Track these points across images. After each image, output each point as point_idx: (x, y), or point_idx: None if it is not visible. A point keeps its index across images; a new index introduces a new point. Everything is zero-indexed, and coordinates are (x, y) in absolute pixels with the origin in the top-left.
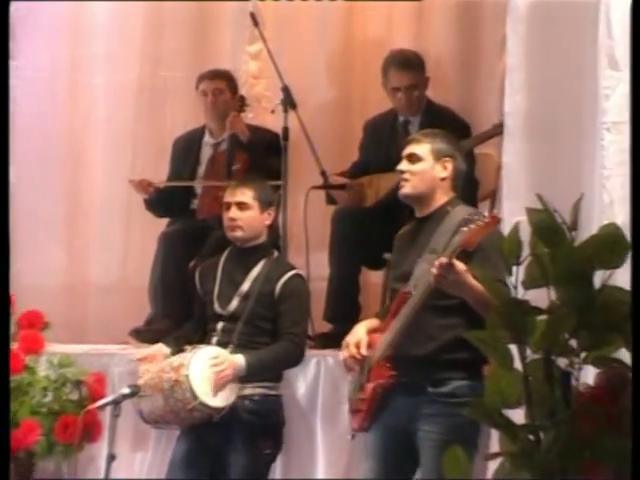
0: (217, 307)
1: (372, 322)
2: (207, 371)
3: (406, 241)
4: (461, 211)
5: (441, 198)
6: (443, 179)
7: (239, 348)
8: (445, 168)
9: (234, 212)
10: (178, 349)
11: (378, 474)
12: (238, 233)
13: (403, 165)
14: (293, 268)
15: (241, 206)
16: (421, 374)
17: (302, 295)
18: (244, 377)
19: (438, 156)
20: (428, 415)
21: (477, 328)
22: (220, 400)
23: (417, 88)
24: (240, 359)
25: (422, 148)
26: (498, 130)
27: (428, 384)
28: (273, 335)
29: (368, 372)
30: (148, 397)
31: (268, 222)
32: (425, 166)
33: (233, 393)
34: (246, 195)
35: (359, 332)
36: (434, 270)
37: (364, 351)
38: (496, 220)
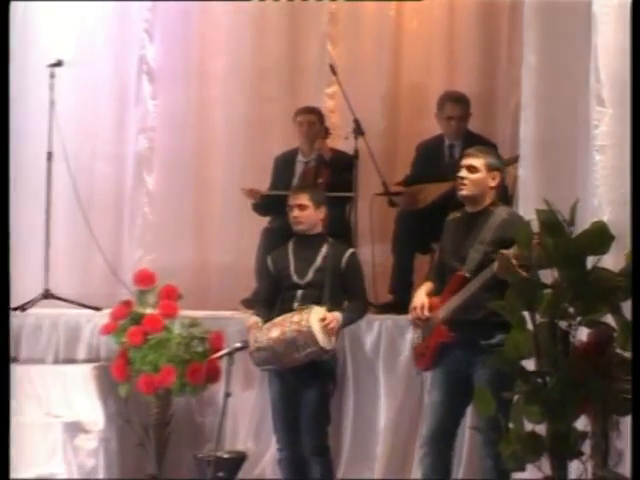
0: (295, 279)
1: (427, 286)
2: (318, 324)
3: (458, 229)
4: (502, 211)
5: (488, 200)
6: (491, 187)
7: (328, 308)
8: (494, 179)
9: (296, 212)
10: (268, 316)
11: (441, 404)
12: (300, 226)
13: (463, 173)
14: (349, 248)
15: (300, 207)
16: (475, 332)
17: (360, 266)
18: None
19: (490, 169)
20: (481, 361)
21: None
22: (330, 344)
23: (463, 119)
24: (339, 314)
25: (479, 162)
26: (515, 160)
27: (480, 338)
28: (338, 297)
29: (431, 329)
30: (269, 348)
31: (322, 216)
32: (480, 176)
33: (334, 340)
34: (303, 198)
35: (421, 297)
36: (496, 265)
37: (426, 312)
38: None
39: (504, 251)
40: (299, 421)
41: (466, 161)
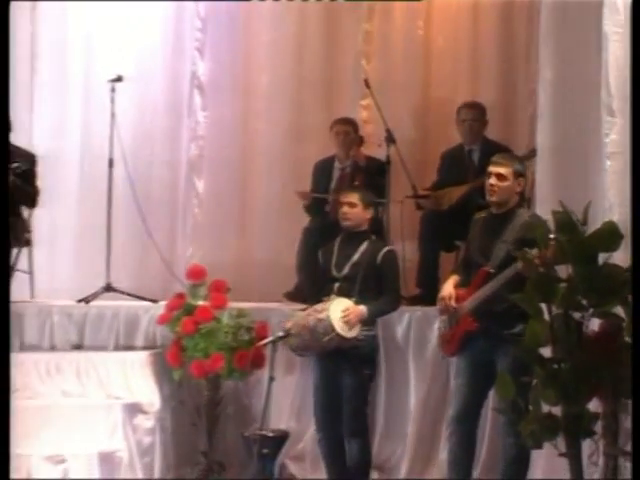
0: (334, 272)
1: (454, 278)
2: (340, 314)
3: (484, 228)
4: (524, 213)
5: (512, 203)
6: (517, 192)
7: (356, 300)
8: (519, 185)
9: (345, 208)
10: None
11: (466, 387)
12: (348, 222)
13: (493, 180)
14: (387, 245)
15: (350, 205)
16: (498, 322)
17: (395, 263)
18: (366, 320)
19: (516, 176)
20: (503, 348)
21: None
22: (349, 333)
23: (478, 122)
24: (363, 309)
25: (507, 170)
26: (533, 154)
27: (503, 328)
28: (372, 290)
29: (457, 319)
30: (298, 335)
31: (369, 216)
32: (508, 184)
33: (356, 329)
34: (354, 197)
35: (449, 288)
36: (520, 263)
37: (453, 303)
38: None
39: (528, 250)
40: (337, 405)
41: (495, 169)
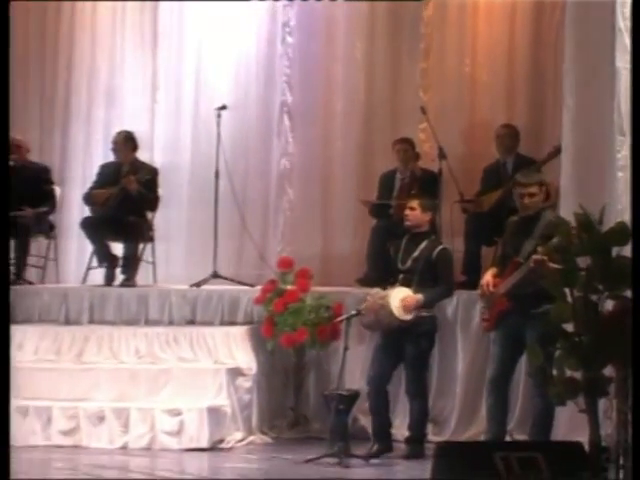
0: (399, 265)
1: (493, 270)
2: (398, 301)
3: (517, 228)
4: (549, 214)
5: (539, 207)
6: (543, 200)
7: (415, 289)
8: (544, 193)
9: (407, 212)
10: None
11: (500, 356)
12: (409, 223)
13: (527, 200)
14: (442, 243)
15: (411, 209)
16: (526, 302)
17: (449, 258)
18: (422, 305)
19: (540, 187)
20: (531, 323)
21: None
22: (405, 316)
23: (511, 140)
24: (420, 296)
25: (535, 187)
26: (558, 151)
27: (531, 308)
28: (428, 281)
29: (494, 301)
30: (366, 315)
31: (427, 218)
32: (538, 198)
33: (412, 314)
34: (414, 203)
35: (487, 277)
36: (535, 259)
37: (491, 289)
38: None
39: (536, 256)
40: (389, 368)
41: (527, 190)
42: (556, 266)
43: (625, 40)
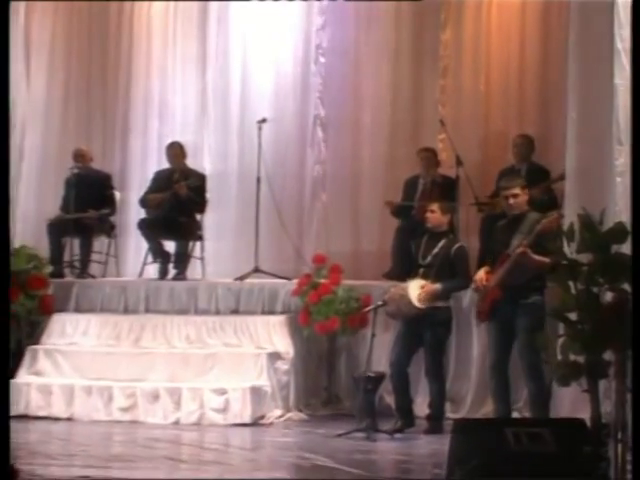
0: (420, 260)
1: (486, 267)
2: (417, 291)
3: (505, 227)
4: (534, 215)
5: (524, 208)
6: (526, 200)
7: (434, 281)
8: (526, 194)
9: (428, 214)
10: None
11: (495, 343)
12: (429, 224)
13: (512, 201)
14: (459, 241)
15: (432, 211)
16: (517, 293)
17: (464, 255)
18: (439, 295)
19: (523, 188)
20: (521, 313)
21: (532, 276)
22: (422, 305)
23: (526, 148)
24: (438, 286)
25: (517, 189)
26: (562, 177)
27: (521, 298)
28: (446, 274)
29: (487, 292)
30: (390, 305)
31: (446, 219)
32: (522, 199)
33: (430, 302)
34: (434, 206)
35: (481, 274)
36: (518, 251)
37: (484, 282)
38: (559, 217)
39: (519, 250)
40: (409, 352)
41: (510, 192)
42: (540, 258)
43: (623, 60)
